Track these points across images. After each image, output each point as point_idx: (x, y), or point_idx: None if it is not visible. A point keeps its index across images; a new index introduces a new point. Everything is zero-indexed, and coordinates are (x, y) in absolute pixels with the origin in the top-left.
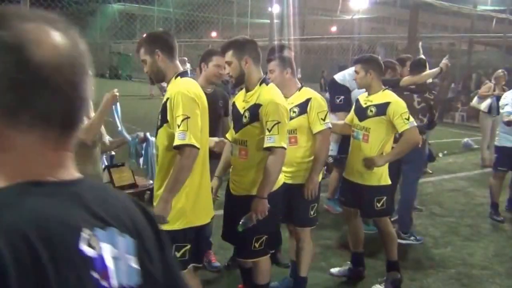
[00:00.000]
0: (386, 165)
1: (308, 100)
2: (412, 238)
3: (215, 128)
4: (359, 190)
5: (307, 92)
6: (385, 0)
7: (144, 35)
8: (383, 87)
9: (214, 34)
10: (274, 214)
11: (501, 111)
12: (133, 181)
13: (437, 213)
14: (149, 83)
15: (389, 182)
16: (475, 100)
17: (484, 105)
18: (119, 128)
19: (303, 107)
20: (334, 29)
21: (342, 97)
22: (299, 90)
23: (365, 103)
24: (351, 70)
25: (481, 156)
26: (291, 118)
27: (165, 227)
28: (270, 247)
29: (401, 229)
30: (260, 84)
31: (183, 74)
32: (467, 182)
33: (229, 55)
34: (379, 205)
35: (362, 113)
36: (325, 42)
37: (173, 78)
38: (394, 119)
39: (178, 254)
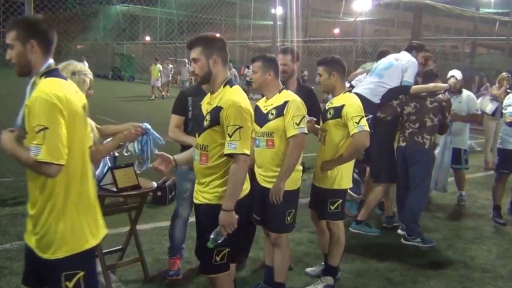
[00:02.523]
0: (345, 170)
1: (285, 103)
2: (417, 240)
3: None
4: (317, 191)
5: (286, 95)
6: (389, 2)
7: (23, 17)
8: (346, 88)
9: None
10: (237, 226)
11: (503, 111)
12: (136, 183)
13: (439, 215)
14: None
15: (346, 186)
16: (478, 102)
17: (488, 108)
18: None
19: (280, 110)
20: (337, 31)
21: (370, 116)
22: (279, 92)
23: (328, 106)
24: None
25: (484, 159)
26: (269, 120)
27: (47, 256)
28: (232, 261)
29: (408, 232)
30: (224, 86)
31: (50, 73)
32: (469, 185)
33: (197, 52)
34: (332, 207)
35: (324, 115)
36: (327, 44)
37: (38, 77)
38: (347, 122)
39: (70, 285)
